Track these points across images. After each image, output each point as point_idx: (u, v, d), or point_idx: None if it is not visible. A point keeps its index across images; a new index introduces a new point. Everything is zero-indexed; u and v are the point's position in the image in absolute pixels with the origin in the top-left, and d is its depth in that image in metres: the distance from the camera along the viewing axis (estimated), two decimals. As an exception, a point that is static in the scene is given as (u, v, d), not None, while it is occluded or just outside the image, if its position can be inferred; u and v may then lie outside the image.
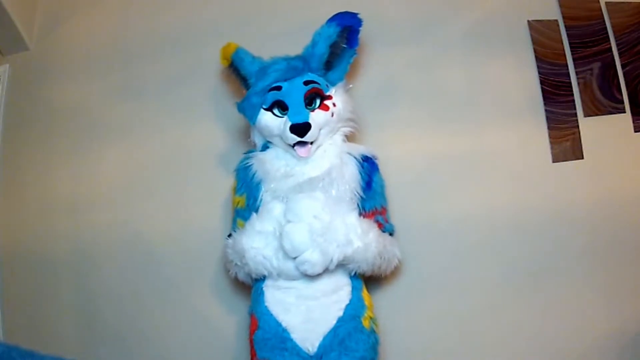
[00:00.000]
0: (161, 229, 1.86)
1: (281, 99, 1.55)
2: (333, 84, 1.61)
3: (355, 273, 1.50)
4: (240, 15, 1.98)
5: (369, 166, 1.58)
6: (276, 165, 1.55)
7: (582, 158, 1.75)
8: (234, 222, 1.60)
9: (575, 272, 1.69)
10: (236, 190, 1.62)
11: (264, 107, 1.57)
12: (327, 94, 1.58)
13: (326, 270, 1.43)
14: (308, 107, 1.55)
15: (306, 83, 1.56)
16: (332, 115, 1.56)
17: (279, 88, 1.56)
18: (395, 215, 1.71)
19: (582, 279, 1.68)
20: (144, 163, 1.94)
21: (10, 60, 2.12)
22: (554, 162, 1.76)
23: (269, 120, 1.56)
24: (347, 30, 1.60)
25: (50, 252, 1.92)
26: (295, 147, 1.54)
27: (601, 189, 1.72)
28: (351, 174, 1.54)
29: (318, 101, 1.56)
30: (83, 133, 2.00)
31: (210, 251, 1.78)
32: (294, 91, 1.55)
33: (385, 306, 1.66)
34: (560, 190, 1.74)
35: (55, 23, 2.13)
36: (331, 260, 1.42)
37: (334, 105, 1.57)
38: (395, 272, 1.72)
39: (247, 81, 1.64)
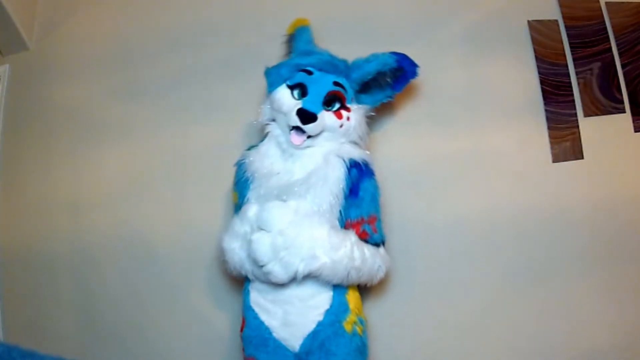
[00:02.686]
0: (161, 229, 1.86)
1: (306, 83, 1.54)
2: (358, 103, 1.60)
3: None
4: (240, 15, 1.98)
5: (357, 173, 1.50)
6: (265, 162, 1.55)
7: (582, 158, 1.75)
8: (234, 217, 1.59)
9: (575, 272, 1.69)
10: (234, 184, 1.63)
11: (288, 83, 1.57)
12: (348, 105, 1.57)
13: (295, 280, 1.42)
14: (325, 105, 1.54)
15: (336, 84, 1.55)
16: (341, 126, 1.54)
17: (310, 72, 1.55)
18: (395, 215, 1.71)
19: (582, 279, 1.68)
20: (144, 163, 1.94)
21: (10, 60, 2.13)
22: (554, 162, 1.76)
23: (284, 96, 1.56)
24: (399, 71, 1.60)
25: (50, 252, 1.92)
26: (292, 132, 1.53)
27: (601, 189, 1.72)
28: (335, 178, 1.48)
29: (337, 105, 1.55)
30: (83, 133, 2.00)
31: (210, 251, 1.78)
32: (321, 83, 1.54)
33: (383, 306, 1.66)
34: (560, 190, 1.74)
35: (55, 23, 2.13)
36: (295, 272, 1.39)
37: (348, 119, 1.55)
38: (394, 272, 1.72)
39: (292, 55, 1.66)
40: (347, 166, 1.50)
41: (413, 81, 1.84)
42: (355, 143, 1.58)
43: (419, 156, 1.80)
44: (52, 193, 1.97)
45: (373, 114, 1.65)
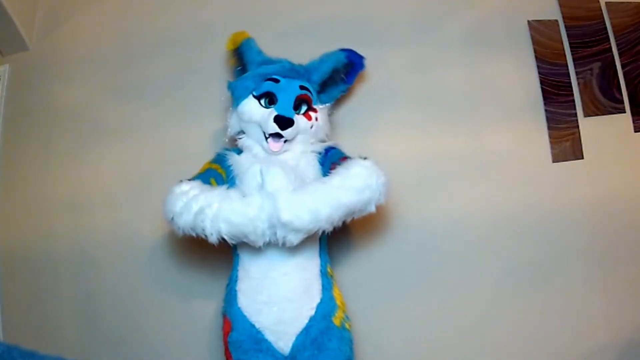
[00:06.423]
0: (161, 229, 1.86)
1: (274, 91, 1.58)
2: (320, 103, 1.66)
3: (325, 265, 1.51)
4: (240, 16, 1.98)
5: (328, 149, 1.59)
6: (250, 174, 1.52)
7: (582, 158, 1.75)
8: (205, 176, 1.54)
9: (575, 272, 1.69)
10: (214, 161, 1.61)
11: (254, 94, 1.60)
12: (314, 106, 1.63)
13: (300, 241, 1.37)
14: (294, 109, 1.58)
15: (302, 87, 1.61)
16: (312, 127, 1.60)
17: (276, 81, 1.59)
18: (395, 215, 1.72)
19: (582, 278, 1.68)
20: (144, 163, 1.94)
21: (10, 60, 2.12)
22: (554, 162, 1.76)
23: (253, 107, 1.59)
24: (350, 66, 1.71)
25: (50, 252, 1.92)
26: (269, 139, 1.56)
27: (601, 189, 1.72)
28: (313, 167, 1.56)
29: (304, 108, 1.60)
30: (83, 133, 2.00)
31: (211, 251, 1.78)
32: (288, 89, 1.59)
33: (384, 305, 1.66)
34: (560, 190, 1.74)
35: (55, 23, 2.13)
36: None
37: (317, 119, 1.61)
38: (394, 271, 1.73)
39: (246, 68, 1.68)
40: (322, 154, 1.59)
41: (414, 81, 1.85)
42: (323, 141, 1.65)
43: (418, 156, 1.80)
44: (52, 193, 1.97)
45: (331, 112, 1.72)
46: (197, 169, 1.88)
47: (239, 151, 1.64)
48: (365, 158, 1.44)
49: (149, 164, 1.93)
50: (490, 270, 1.71)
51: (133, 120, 1.97)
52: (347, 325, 1.49)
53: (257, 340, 1.43)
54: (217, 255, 1.77)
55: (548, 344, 1.65)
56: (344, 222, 1.42)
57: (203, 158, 1.87)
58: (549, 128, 1.78)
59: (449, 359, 1.68)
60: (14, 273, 1.95)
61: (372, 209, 1.42)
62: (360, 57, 1.73)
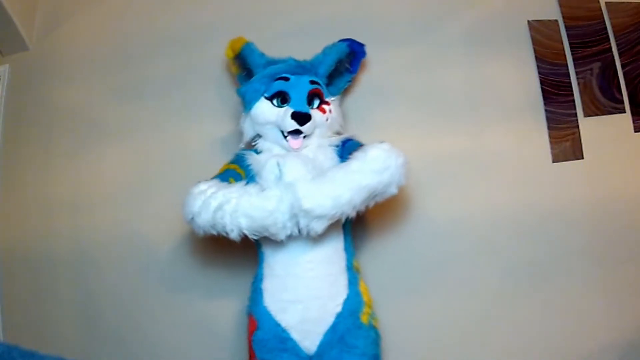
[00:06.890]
0: (161, 229, 1.86)
1: (286, 90, 1.58)
2: (331, 95, 1.67)
3: (350, 258, 1.51)
4: (240, 16, 1.98)
5: (345, 141, 1.59)
6: (268, 168, 1.52)
7: (582, 158, 1.75)
8: (224, 176, 1.52)
9: (575, 271, 1.69)
10: (232, 162, 1.60)
11: (266, 95, 1.59)
12: (326, 99, 1.63)
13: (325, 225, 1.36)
14: (308, 104, 1.58)
15: (312, 82, 1.61)
16: (327, 120, 1.60)
17: (286, 79, 1.59)
18: (395, 214, 1.71)
19: (582, 278, 1.68)
20: (144, 163, 1.94)
21: (10, 60, 2.13)
22: (554, 162, 1.76)
23: (266, 108, 1.59)
24: (353, 54, 1.73)
25: (50, 252, 1.92)
26: (289, 137, 1.56)
27: (601, 188, 1.72)
28: (331, 160, 1.55)
29: (317, 102, 1.61)
30: (83, 133, 2.00)
31: (211, 251, 1.78)
32: (299, 85, 1.59)
33: (385, 305, 1.65)
34: (560, 190, 1.74)
35: (55, 23, 2.13)
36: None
37: (330, 112, 1.62)
38: (393, 271, 1.73)
39: (251, 73, 1.68)
40: (340, 147, 1.58)
41: (414, 80, 1.85)
42: (338, 133, 1.65)
43: (418, 156, 1.79)
44: (52, 193, 1.97)
45: (341, 103, 1.74)
46: (197, 168, 1.89)
47: (257, 152, 1.63)
48: (382, 142, 1.43)
49: (149, 164, 1.93)
50: (490, 270, 1.71)
51: (133, 120, 1.97)
52: (374, 323, 1.48)
53: (282, 339, 1.43)
54: (218, 255, 1.77)
55: (548, 344, 1.65)
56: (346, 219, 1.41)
57: (203, 158, 1.88)
58: (549, 128, 1.78)
59: (449, 358, 1.68)
60: (14, 273, 1.95)
61: (394, 190, 1.40)
62: (361, 45, 1.74)
